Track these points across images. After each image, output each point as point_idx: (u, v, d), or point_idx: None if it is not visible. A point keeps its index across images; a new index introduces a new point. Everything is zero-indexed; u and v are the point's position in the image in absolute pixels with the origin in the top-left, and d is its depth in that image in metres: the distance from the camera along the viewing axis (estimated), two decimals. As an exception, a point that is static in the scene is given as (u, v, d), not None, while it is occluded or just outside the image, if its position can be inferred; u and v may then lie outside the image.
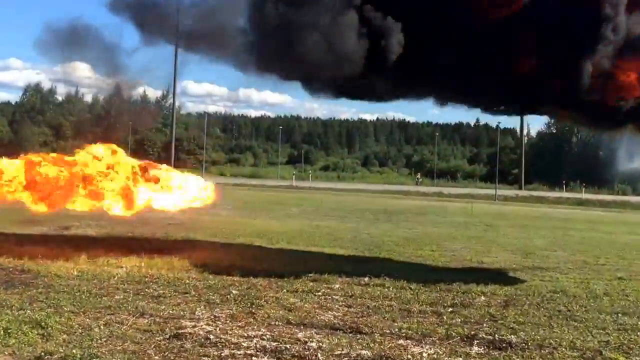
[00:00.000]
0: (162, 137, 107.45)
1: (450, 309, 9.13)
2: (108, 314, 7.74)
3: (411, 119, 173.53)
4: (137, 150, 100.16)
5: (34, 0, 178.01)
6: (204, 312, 8.19)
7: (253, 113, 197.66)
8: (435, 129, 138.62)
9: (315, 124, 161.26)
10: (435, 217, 29.64)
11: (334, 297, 9.63)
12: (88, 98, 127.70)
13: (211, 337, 7.06)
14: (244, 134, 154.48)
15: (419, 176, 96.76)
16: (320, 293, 9.80)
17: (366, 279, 11.04)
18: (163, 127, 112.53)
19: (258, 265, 12.11)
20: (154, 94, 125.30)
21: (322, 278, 10.95)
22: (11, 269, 10.41)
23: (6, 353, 6.11)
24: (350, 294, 9.89)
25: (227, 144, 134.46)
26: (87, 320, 7.42)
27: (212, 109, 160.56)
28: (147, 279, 10.11)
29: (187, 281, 10.08)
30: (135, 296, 8.87)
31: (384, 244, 17.43)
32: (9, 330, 6.74)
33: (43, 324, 7.06)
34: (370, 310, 8.85)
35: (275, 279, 10.75)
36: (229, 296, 9.19)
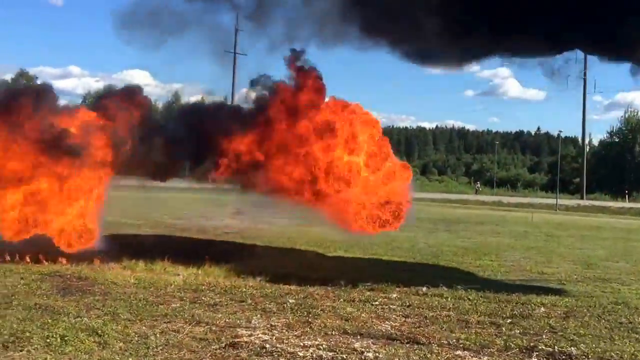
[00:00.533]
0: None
1: (509, 320, 8.79)
2: (164, 322, 7.69)
3: (470, 127, 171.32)
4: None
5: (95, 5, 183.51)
6: (260, 320, 8.07)
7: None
8: (495, 136, 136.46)
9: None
10: (495, 227, 28.90)
11: (391, 306, 9.39)
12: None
13: (267, 346, 6.92)
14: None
15: (478, 185, 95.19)
16: (377, 302, 9.57)
17: (424, 288, 10.75)
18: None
19: (314, 274, 11.97)
20: (212, 101, 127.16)
21: (379, 287, 10.71)
22: (68, 276, 10.52)
23: (62, 360, 6.11)
24: (407, 303, 9.63)
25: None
26: (144, 328, 7.38)
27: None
28: (203, 287, 10.07)
29: (244, 289, 9.99)
30: (192, 304, 8.82)
31: (442, 253, 17.05)
32: (66, 338, 6.75)
33: (100, 331, 7.06)
34: (428, 321, 8.58)
35: (331, 288, 10.58)
36: (285, 305, 9.05)
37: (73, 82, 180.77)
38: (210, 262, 12.99)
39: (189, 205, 34.69)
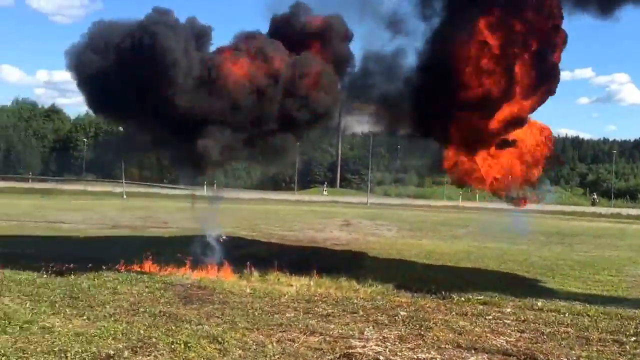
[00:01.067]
0: (328, 158, 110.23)
1: (633, 338, 8.32)
2: (280, 331, 7.89)
3: (585, 136, 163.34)
4: (304, 170, 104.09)
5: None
6: (372, 332, 8.11)
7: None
8: (612, 145, 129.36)
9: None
10: (614, 240, 27.42)
11: (505, 321, 9.14)
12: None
13: (381, 357, 6.95)
14: (409, 153, 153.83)
15: (594, 196, 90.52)
16: (490, 317, 9.35)
17: (539, 303, 10.41)
18: (329, 148, 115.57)
19: (425, 287, 11.88)
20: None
21: (492, 301, 10.47)
22: (189, 285, 11.00)
23: (187, 366, 6.39)
24: (522, 318, 9.35)
25: (392, 164, 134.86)
26: (261, 336, 7.60)
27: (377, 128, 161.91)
28: (316, 298, 10.24)
29: (355, 301, 10.07)
30: (305, 315, 8.99)
31: (557, 267, 16.41)
32: (189, 344, 7.06)
33: (220, 339, 7.33)
34: (545, 337, 8.28)
35: (443, 301, 10.46)
36: (397, 317, 9.04)
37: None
38: (320, 274, 13.22)
39: (299, 217, 35.32)
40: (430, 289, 11.63)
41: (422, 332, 8.20)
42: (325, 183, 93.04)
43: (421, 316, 9.18)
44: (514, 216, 31.05)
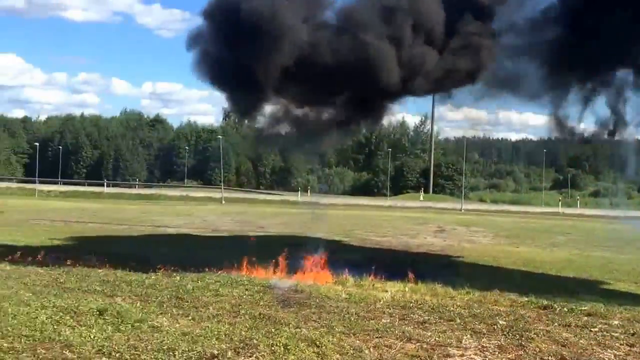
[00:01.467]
0: (421, 163, 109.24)
1: None
2: (376, 337, 7.94)
3: None
4: (397, 176, 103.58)
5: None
6: (470, 341, 8.01)
7: (513, 136, 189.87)
8: None
9: (583, 146, 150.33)
10: None
11: (612, 334, 8.76)
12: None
13: (479, 367, 6.86)
14: (504, 158, 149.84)
15: None
16: (596, 329, 8.98)
17: (650, 316, 9.87)
18: (421, 153, 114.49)
19: (524, 295, 11.58)
20: (412, 120, 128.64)
21: (598, 312, 10.05)
22: (286, 289, 11.25)
23: (286, 368, 6.56)
24: (632, 331, 8.91)
25: (486, 169, 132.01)
26: (357, 341, 7.68)
27: (470, 133, 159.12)
28: (411, 305, 10.21)
29: (452, 308, 9.96)
30: (401, 321, 8.99)
31: (670, 278, 15.53)
32: (288, 347, 7.23)
33: (318, 342, 7.46)
34: (658, 352, 7.87)
35: (544, 311, 10.15)
36: (495, 326, 8.86)
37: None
38: (416, 280, 13.17)
39: (392, 222, 35.22)
40: (530, 298, 11.31)
41: (523, 343, 8.01)
42: (422, 189, 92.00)
43: (521, 326, 8.96)
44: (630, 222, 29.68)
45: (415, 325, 8.74)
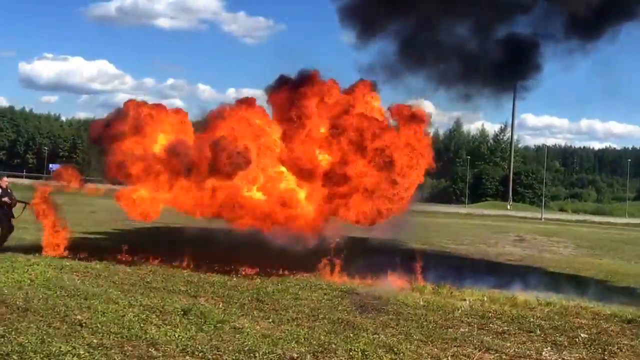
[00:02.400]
0: (500, 171, 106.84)
1: None
2: (454, 346, 7.88)
3: None
4: (475, 184, 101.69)
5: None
6: (551, 353, 7.82)
7: (596, 145, 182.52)
8: None
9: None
10: None
11: (703, 351, 8.34)
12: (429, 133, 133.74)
13: (561, 381, 6.69)
14: (586, 167, 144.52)
15: None
16: (685, 346, 8.58)
17: None
18: (501, 161, 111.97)
19: (607, 309, 11.16)
20: (491, 127, 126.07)
21: (687, 329, 9.57)
22: (364, 294, 11.28)
23: (364, 374, 6.60)
24: None
25: (567, 178, 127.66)
26: (435, 350, 7.65)
27: (551, 141, 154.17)
28: (490, 314, 10.05)
29: (531, 319, 9.75)
30: (480, 330, 8.88)
31: None
32: (366, 352, 7.28)
33: (395, 349, 7.48)
34: None
35: (628, 325, 9.78)
36: (577, 339, 8.62)
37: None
38: (494, 289, 12.93)
39: (470, 231, 34.65)
40: (612, 311, 10.89)
41: (606, 357, 7.77)
42: (511, 198, 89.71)
43: (604, 340, 8.67)
44: None
45: (494, 336, 8.62)
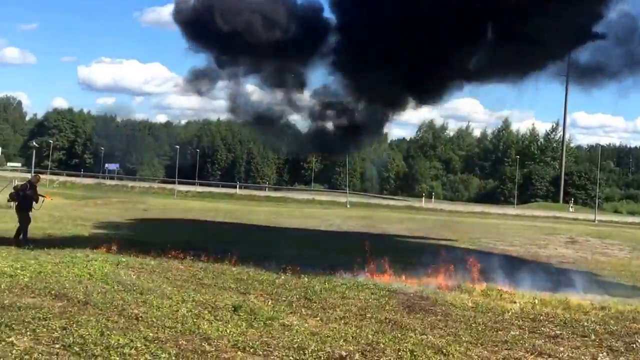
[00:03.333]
0: (551, 171, 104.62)
1: None
2: (505, 349, 7.79)
3: None
4: (524, 184, 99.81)
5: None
6: (607, 359, 7.67)
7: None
8: None
9: None
10: None
11: None
12: (477, 132, 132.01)
13: (616, 387, 6.56)
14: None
15: None
16: None
17: None
18: (552, 161, 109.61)
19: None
20: (542, 126, 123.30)
21: None
22: (411, 295, 11.26)
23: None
24: None
25: (622, 179, 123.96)
26: (485, 352, 7.58)
27: (604, 140, 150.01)
28: (541, 317, 9.90)
29: (586, 324, 9.55)
30: (531, 334, 8.75)
31: None
32: (415, 353, 7.26)
33: (444, 350, 7.44)
34: None
35: (689, 333, 9.48)
36: (634, 345, 8.41)
37: (409, 112, 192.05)
38: (546, 292, 12.74)
39: (520, 232, 34.10)
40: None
41: (665, 365, 7.57)
42: (572, 199, 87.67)
43: (663, 346, 8.45)
44: None
45: (546, 339, 8.49)
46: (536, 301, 11.48)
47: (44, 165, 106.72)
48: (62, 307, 7.78)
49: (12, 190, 16.86)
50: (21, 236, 16.04)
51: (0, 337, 6.24)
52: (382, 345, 7.46)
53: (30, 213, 16.43)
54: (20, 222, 16.22)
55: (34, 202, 16.39)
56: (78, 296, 8.46)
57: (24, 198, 16.26)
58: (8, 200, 17.17)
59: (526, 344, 8.06)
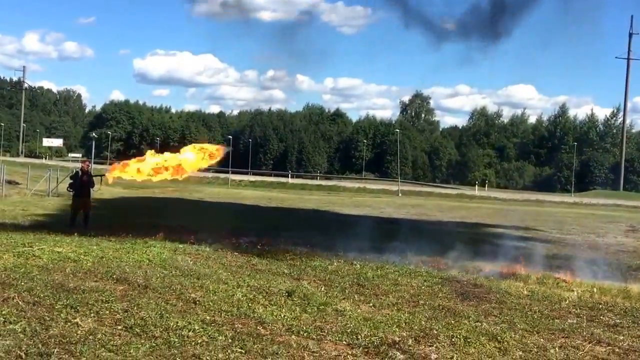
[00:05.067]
0: (610, 158, 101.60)
1: None
2: (562, 337, 7.66)
3: None
4: (582, 172, 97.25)
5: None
6: (667, 348, 7.46)
7: None
8: None
9: None
10: None
11: None
12: (532, 119, 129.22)
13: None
14: None
15: None
16: None
17: None
18: (611, 147, 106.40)
19: None
20: (601, 112, 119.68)
21: None
22: (465, 282, 11.17)
23: (468, 360, 6.56)
24: None
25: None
26: (541, 340, 7.48)
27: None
28: (600, 306, 9.69)
29: (647, 313, 9.31)
30: (589, 322, 8.58)
31: None
32: (469, 340, 7.22)
33: (499, 337, 7.37)
34: None
35: None
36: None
37: (461, 100, 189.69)
38: (604, 280, 12.47)
39: (577, 220, 33.31)
40: None
41: None
42: None
43: None
44: None
45: (605, 328, 8.32)
46: (595, 290, 11.26)
47: (103, 156, 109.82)
48: (124, 291, 8.03)
49: (70, 180, 17.63)
50: (85, 217, 16.80)
51: (65, 318, 6.49)
52: (435, 332, 7.44)
53: (89, 199, 17.14)
54: (72, 208, 16.99)
55: (92, 188, 17.23)
56: (138, 280, 8.71)
57: (82, 185, 16.92)
58: (68, 189, 17.92)
59: (584, 333, 7.92)
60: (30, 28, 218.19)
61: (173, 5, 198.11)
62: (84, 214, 17.01)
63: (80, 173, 17.24)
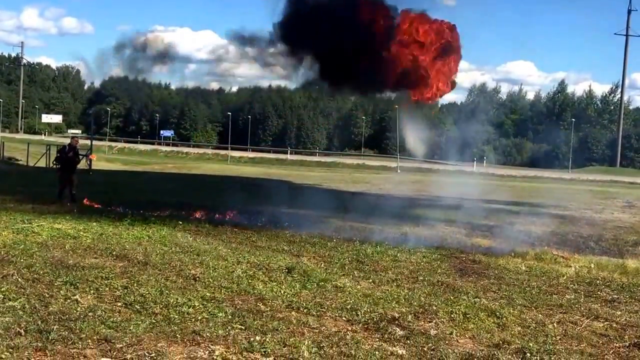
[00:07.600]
0: (607, 135, 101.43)
1: None
2: (560, 312, 7.71)
3: None
4: (580, 148, 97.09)
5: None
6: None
7: None
8: None
9: None
10: None
11: None
12: (530, 96, 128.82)
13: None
14: None
15: None
16: None
17: None
18: (609, 124, 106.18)
19: None
20: (600, 88, 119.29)
21: None
22: (463, 259, 11.22)
23: (466, 336, 6.59)
24: None
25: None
26: (540, 315, 7.52)
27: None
28: (598, 282, 9.75)
29: (644, 288, 9.37)
30: (587, 298, 8.63)
31: None
32: (468, 315, 7.25)
33: (498, 313, 7.40)
34: None
35: None
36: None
37: (460, 76, 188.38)
38: (602, 256, 12.52)
39: (574, 196, 33.30)
40: None
41: None
42: None
43: None
44: None
45: (603, 304, 8.37)
46: (592, 265, 11.32)
47: (103, 132, 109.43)
48: (123, 267, 8.05)
49: (57, 154, 17.67)
50: (70, 192, 16.83)
51: (65, 295, 6.51)
52: (435, 308, 7.47)
53: (74, 175, 17.14)
54: (59, 182, 17.02)
55: (77, 165, 17.36)
56: (138, 257, 8.73)
57: (66, 161, 16.95)
58: (53, 162, 18.11)
59: (582, 308, 7.97)
60: (29, 3, 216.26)
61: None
62: (69, 189, 17.06)
63: (67, 148, 17.25)
